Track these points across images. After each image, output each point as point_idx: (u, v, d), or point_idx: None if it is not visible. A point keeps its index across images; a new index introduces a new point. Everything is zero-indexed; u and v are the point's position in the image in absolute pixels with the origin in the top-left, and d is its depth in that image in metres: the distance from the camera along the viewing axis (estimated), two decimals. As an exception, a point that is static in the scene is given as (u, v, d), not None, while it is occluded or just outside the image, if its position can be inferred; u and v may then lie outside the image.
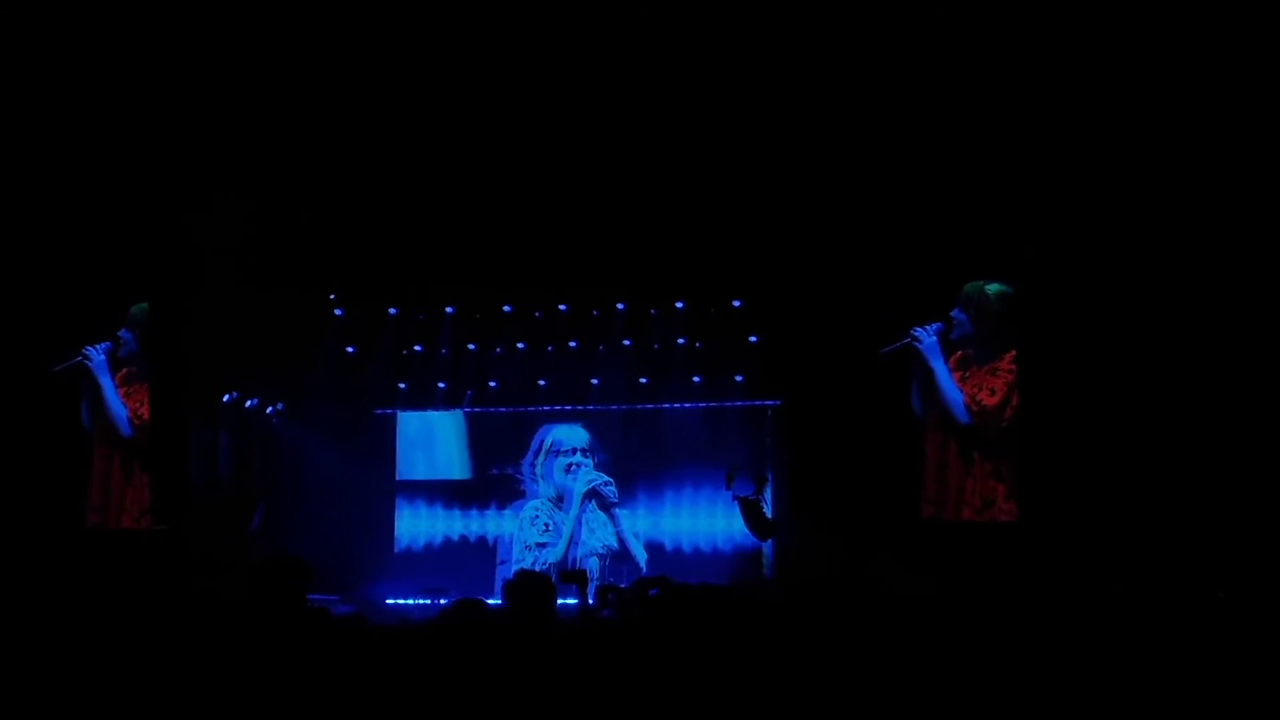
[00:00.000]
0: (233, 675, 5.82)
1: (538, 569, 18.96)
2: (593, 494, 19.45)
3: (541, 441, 19.86)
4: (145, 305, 16.27)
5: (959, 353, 14.66)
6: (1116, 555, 12.80)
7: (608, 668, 4.73)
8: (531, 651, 5.08)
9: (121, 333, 16.25)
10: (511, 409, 19.97)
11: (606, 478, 19.47)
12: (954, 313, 14.62)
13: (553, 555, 19.36)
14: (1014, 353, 14.30)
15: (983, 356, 14.40)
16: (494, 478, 19.99)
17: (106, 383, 16.14)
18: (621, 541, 19.36)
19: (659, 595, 7.40)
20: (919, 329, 14.64)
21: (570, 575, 14.93)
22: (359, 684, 5.49)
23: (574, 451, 19.69)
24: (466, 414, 20.09)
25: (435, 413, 20.22)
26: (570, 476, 19.61)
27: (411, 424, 20.36)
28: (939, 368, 14.62)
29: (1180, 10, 13.21)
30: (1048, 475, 13.75)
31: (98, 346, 16.25)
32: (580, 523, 19.49)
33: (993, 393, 14.40)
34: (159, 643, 6.38)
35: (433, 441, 20.29)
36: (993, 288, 14.40)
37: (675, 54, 14.64)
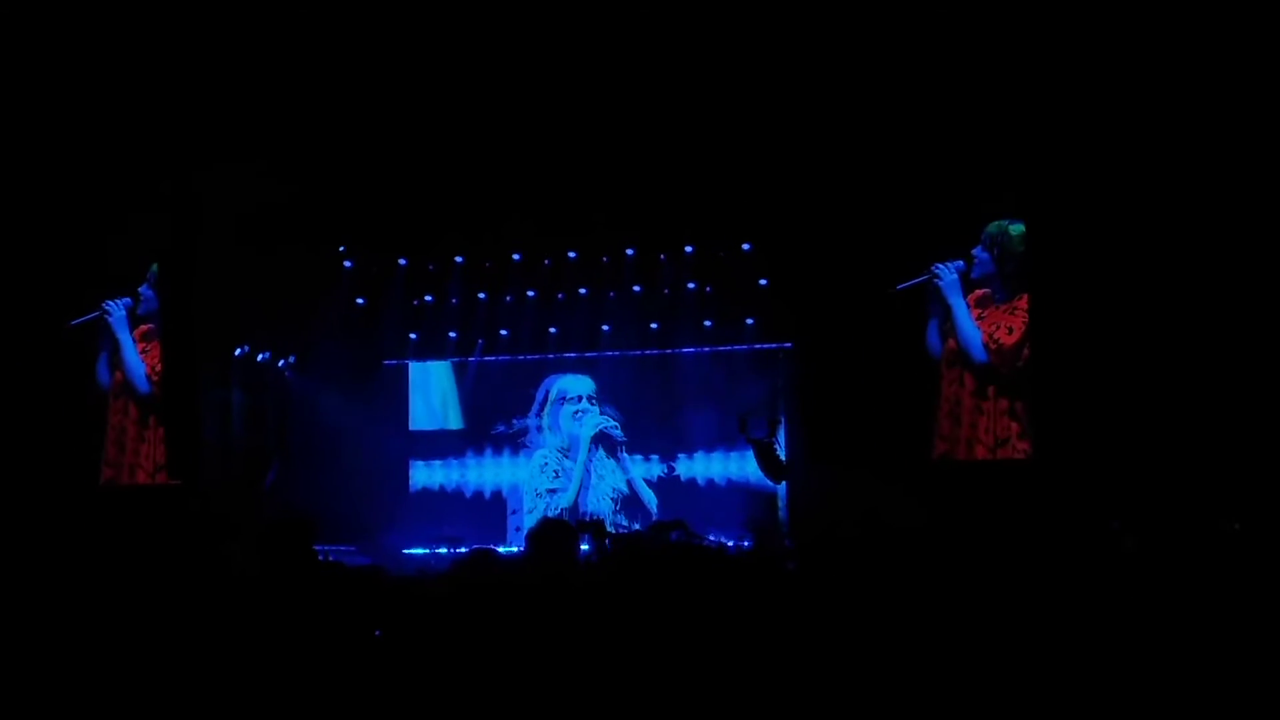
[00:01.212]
0: (246, 635, 5.85)
1: (550, 515, 19.07)
2: (600, 437, 19.51)
3: (548, 391, 19.90)
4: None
5: (978, 291, 14.67)
6: (1128, 492, 12.79)
7: (626, 616, 4.75)
8: (555, 599, 5.11)
9: (142, 289, 16.29)
10: (524, 357, 19.99)
11: (613, 421, 19.52)
12: (976, 251, 14.62)
13: (564, 500, 19.44)
14: (1026, 296, 14.33)
15: (1002, 296, 14.41)
16: (505, 429, 20.05)
17: (125, 338, 16.19)
18: (631, 485, 19.43)
19: (679, 542, 7.44)
20: (940, 265, 14.64)
21: (586, 525, 15.01)
22: (377, 637, 5.52)
23: (580, 399, 19.73)
24: (477, 363, 20.10)
25: (446, 363, 20.24)
26: (577, 423, 19.66)
27: (423, 374, 20.39)
28: (958, 304, 14.63)
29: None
30: (1061, 413, 13.76)
31: (118, 301, 16.29)
32: (589, 469, 19.55)
33: (1010, 331, 14.41)
34: (173, 601, 6.41)
35: (444, 391, 20.33)
36: (1016, 228, 14.40)
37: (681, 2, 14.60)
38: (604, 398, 19.69)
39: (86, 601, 6.47)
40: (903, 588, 5.63)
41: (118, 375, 16.15)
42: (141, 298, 16.19)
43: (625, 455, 19.44)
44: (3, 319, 15.96)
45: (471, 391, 20.25)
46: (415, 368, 20.34)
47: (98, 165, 15.79)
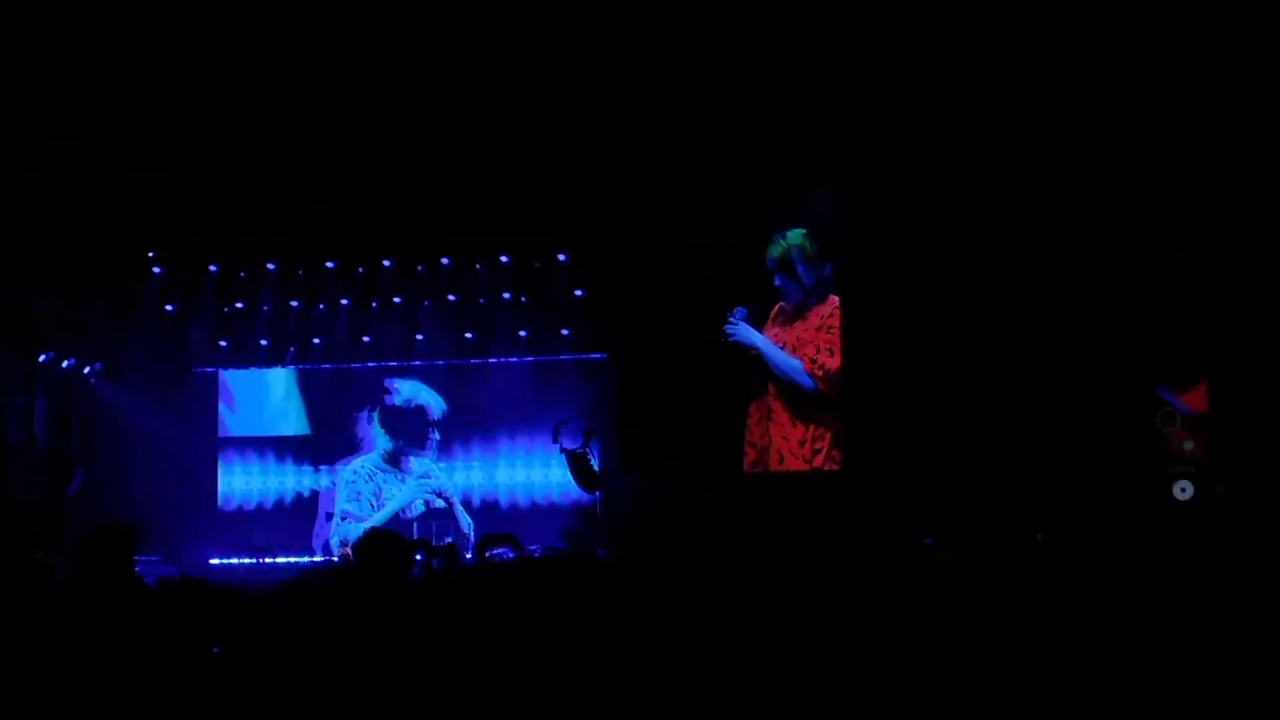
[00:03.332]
0: (65, 645, 5.73)
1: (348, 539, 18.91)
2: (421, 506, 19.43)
3: (407, 399, 19.66)
4: None
5: (777, 307, 14.95)
6: (940, 500, 13.07)
7: (470, 627, 4.75)
8: (390, 613, 5.08)
9: None
10: (336, 365, 19.78)
11: (436, 492, 19.43)
12: (777, 281, 14.87)
13: (359, 530, 19.19)
14: (833, 298, 14.58)
15: (809, 303, 14.66)
16: (315, 435, 19.84)
17: None
18: (449, 502, 19.37)
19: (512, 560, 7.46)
20: (728, 325, 14.93)
21: (414, 544, 14.90)
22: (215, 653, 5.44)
23: (433, 424, 19.57)
24: (290, 370, 19.87)
25: (256, 370, 19.97)
26: (427, 449, 19.50)
27: (233, 382, 20.11)
28: (761, 343, 14.91)
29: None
30: (874, 423, 14.01)
31: None
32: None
33: (832, 352, 14.64)
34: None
35: (254, 399, 20.07)
36: (795, 235, 14.67)
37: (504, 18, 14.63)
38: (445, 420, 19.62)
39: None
40: (711, 597, 5.70)
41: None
42: None
43: (434, 481, 19.37)
44: None
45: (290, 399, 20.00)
46: (235, 375, 20.02)
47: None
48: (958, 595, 6.19)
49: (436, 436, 19.50)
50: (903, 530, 12.41)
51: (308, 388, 19.94)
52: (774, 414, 14.78)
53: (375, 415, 19.66)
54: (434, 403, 19.58)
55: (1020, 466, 13.58)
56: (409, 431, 19.61)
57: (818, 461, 14.53)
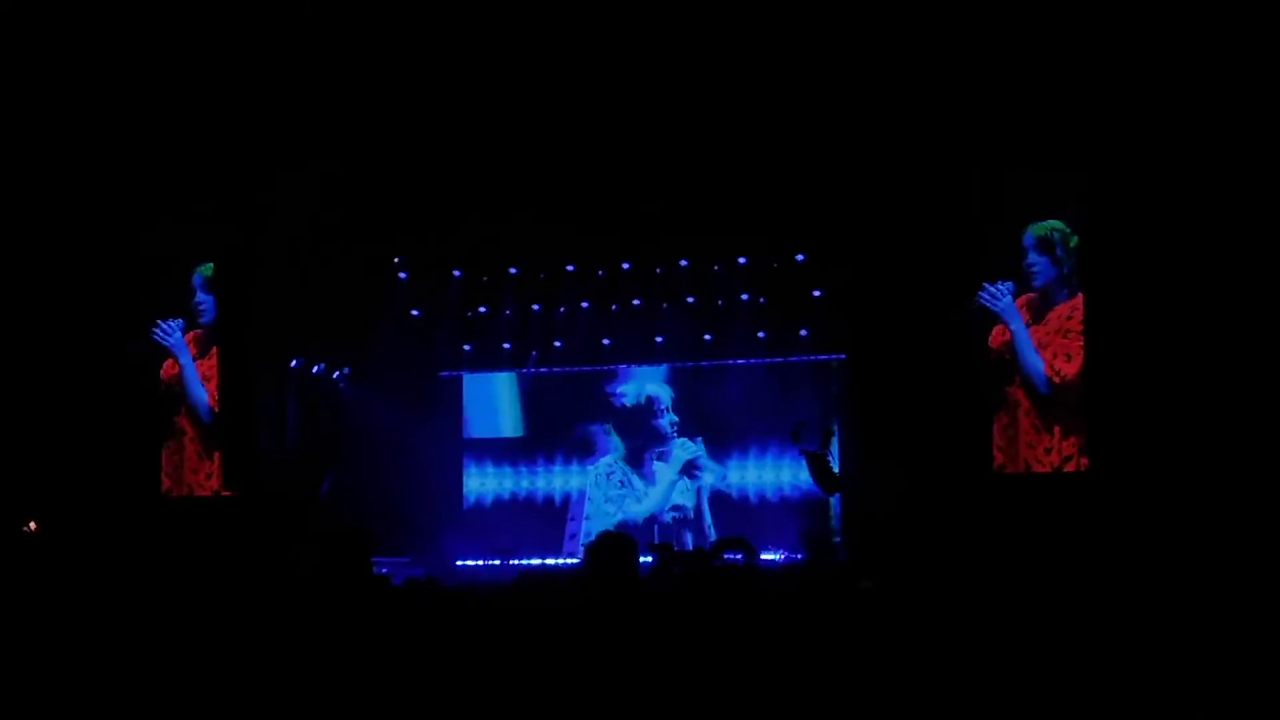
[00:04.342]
0: (305, 643, 5.87)
1: (620, 520, 19.15)
2: (692, 464, 19.48)
3: (624, 395, 19.82)
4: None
5: (1025, 296, 14.67)
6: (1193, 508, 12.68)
7: (692, 633, 4.73)
8: (618, 615, 5.08)
9: (200, 296, 16.42)
10: (577, 368, 19.96)
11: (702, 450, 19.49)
12: (1031, 259, 14.59)
13: (638, 510, 19.41)
14: (1080, 298, 14.29)
15: (1060, 297, 14.37)
16: (561, 436, 20.04)
17: (187, 363, 16.33)
18: (698, 505, 19.40)
19: (738, 564, 7.42)
20: (991, 290, 14.62)
21: (654, 547, 15.02)
22: (435, 650, 5.51)
23: (666, 409, 19.67)
24: (531, 374, 20.10)
25: (500, 374, 20.24)
26: (670, 433, 19.60)
27: (477, 385, 20.41)
28: (1019, 330, 14.61)
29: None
30: (1122, 430, 13.67)
31: (170, 323, 16.44)
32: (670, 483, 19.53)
33: (1070, 358, 14.33)
34: (233, 609, 6.46)
35: (498, 402, 20.33)
36: (1058, 224, 14.39)
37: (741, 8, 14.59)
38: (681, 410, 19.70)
39: (150, 612, 6.53)
40: (971, 603, 5.60)
41: (180, 398, 16.33)
42: (200, 308, 16.32)
43: (701, 476, 19.41)
44: (60, 330, 16.07)
45: (530, 400, 20.23)
46: (479, 378, 20.34)
47: (152, 175, 15.89)
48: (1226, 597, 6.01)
49: (674, 419, 19.58)
50: (1158, 535, 12.10)
51: (544, 390, 20.16)
52: (1018, 420, 14.49)
53: (609, 425, 19.82)
54: (662, 391, 19.67)
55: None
56: (646, 428, 19.71)
57: (1068, 468, 14.21)
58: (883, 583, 6.37)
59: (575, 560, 18.79)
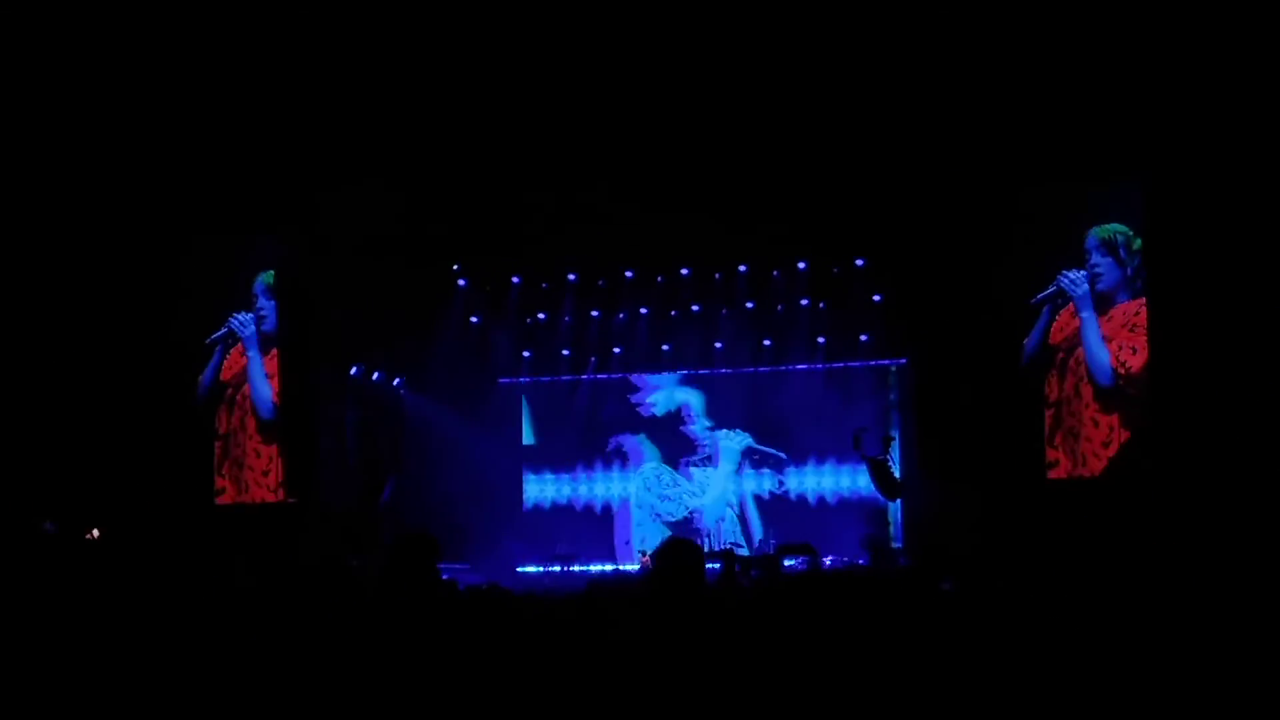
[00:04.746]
0: (369, 647, 5.86)
1: (670, 519, 19.24)
2: (748, 452, 19.49)
3: (654, 407, 19.89)
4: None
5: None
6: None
7: (759, 639, 4.69)
8: (686, 620, 5.05)
9: (261, 302, 16.50)
10: (637, 374, 19.98)
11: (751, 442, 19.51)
12: (1095, 260, 14.53)
13: (685, 508, 19.49)
14: (1143, 299, 14.23)
15: (1123, 297, 14.32)
16: (614, 444, 20.08)
17: (255, 356, 16.41)
18: (742, 504, 19.42)
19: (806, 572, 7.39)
20: (1070, 275, 14.57)
21: (716, 554, 15.02)
22: (507, 658, 5.50)
23: (695, 417, 19.72)
24: (589, 380, 20.12)
25: (559, 379, 20.27)
26: (712, 436, 19.64)
27: (535, 391, 20.44)
28: (1089, 319, 14.54)
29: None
30: (1184, 423, 13.59)
31: (243, 317, 16.53)
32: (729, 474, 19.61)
33: (1135, 351, 14.27)
34: (294, 616, 6.45)
35: (556, 408, 20.35)
36: (1121, 227, 14.34)
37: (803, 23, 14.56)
38: (716, 414, 19.71)
39: (213, 617, 6.54)
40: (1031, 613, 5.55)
41: (236, 388, 16.38)
42: (261, 314, 16.40)
43: (749, 473, 19.44)
44: (115, 331, 16.16)
45: (585, 407, 20.26)
46: (537, 384, 20.41)
47: (218, 184, 15.98)
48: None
49: (708, 423, 19.61)
50: (1215, 534, 11.99)
51: (600, 397, 20.19)
52: (1076, 415, 14.41)
53: (642, 435, 19.89)
54: (692, 398, 19.69)
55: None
56: (677, 435, 19.76)
57: (1120, 461, 14.14)
58: (961, 583, 6.32)
59: (634, 566, 18.85)
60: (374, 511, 17.96)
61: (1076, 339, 14.52)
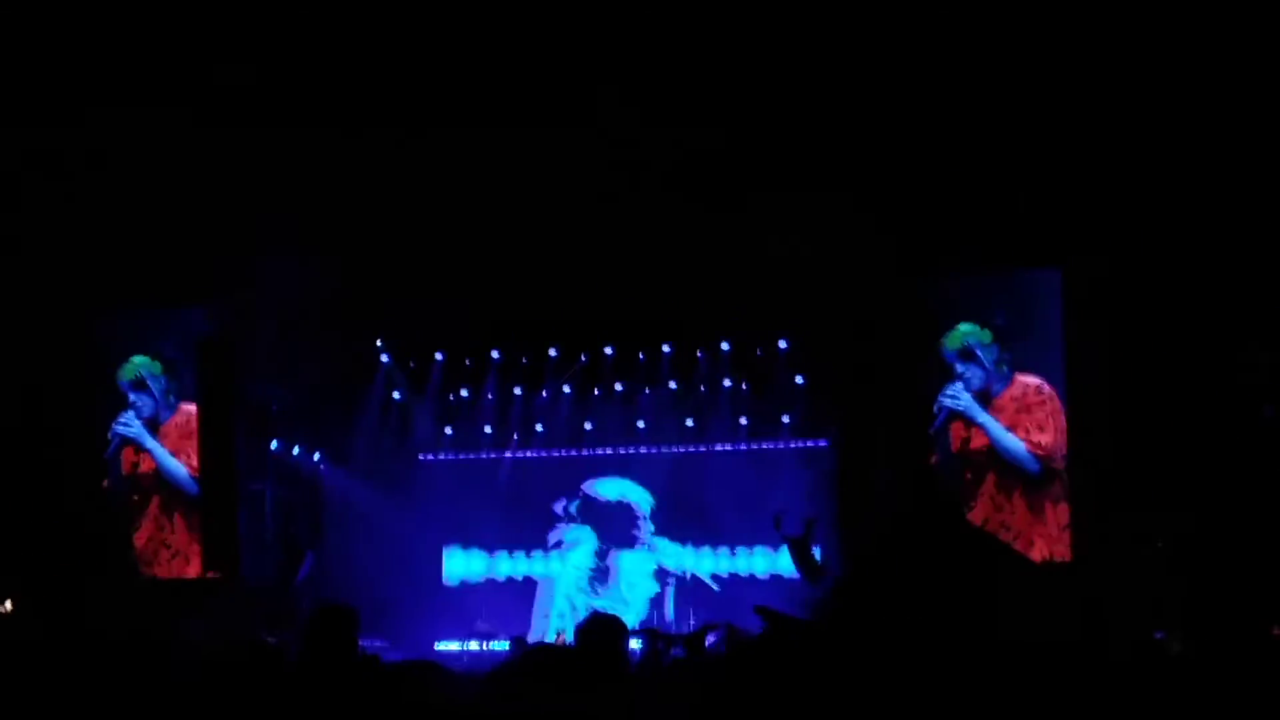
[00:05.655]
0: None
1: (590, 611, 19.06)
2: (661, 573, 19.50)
3: (613, 499, 19.88)
4: (139, 360, 16.41)
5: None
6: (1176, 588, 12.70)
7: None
8: (612, 696, 4.99)
9: (133, 397, 16.44)
10: (558, 452, 19.94)
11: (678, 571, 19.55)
12: (960, 369, 14.79)
13: (601, 603, 19.35)
14: (1018, 378, 14.46)
15: (998, 389, 14.57)
16: (538, 522, 20.01)
17: (155, 446, 16.32)
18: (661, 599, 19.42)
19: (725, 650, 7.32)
20: (947, 392, 14.78)
21: (642, 631, 14.96)
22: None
23: (644, 518, 19.72)
24: (511, 458, 20.06)
25: (480, 457, 20.19)
26: (641, 539, 19.62)
27: (456, 469, 20.34)
28: (988, 423, 14.75)
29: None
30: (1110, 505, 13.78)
31: (125, 417, 16.45)
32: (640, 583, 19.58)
33: (1041, 429, 14.46)
34: (224, 691, 6.37)
35: (477, 486, 20.24)
36: (966, 325, 14.65)
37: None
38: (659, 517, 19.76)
39: (131, 694, 6.44)
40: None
41: (159, 481, 16.29)
42: (136, 405, 16.37)
43: (671, 580, 19.44)
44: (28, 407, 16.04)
45: (506, 484, 20.18)
46: (458, 462, 20.31)
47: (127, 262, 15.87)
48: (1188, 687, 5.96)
49: (650, 528, 19.59)
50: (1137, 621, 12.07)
51: (523, 475, 20.10)
52: (1010, 505, 14.55)
53: (577, 510, 19.86)
54: (641, 499, 19.67)
55: (1259, 555, 13.13)
56: (618, 528, 19.73)
57: (1059, 551, 14.29)
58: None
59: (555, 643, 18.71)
60: (291, 588, 17.80)
61: (981, 450, 14.73)
